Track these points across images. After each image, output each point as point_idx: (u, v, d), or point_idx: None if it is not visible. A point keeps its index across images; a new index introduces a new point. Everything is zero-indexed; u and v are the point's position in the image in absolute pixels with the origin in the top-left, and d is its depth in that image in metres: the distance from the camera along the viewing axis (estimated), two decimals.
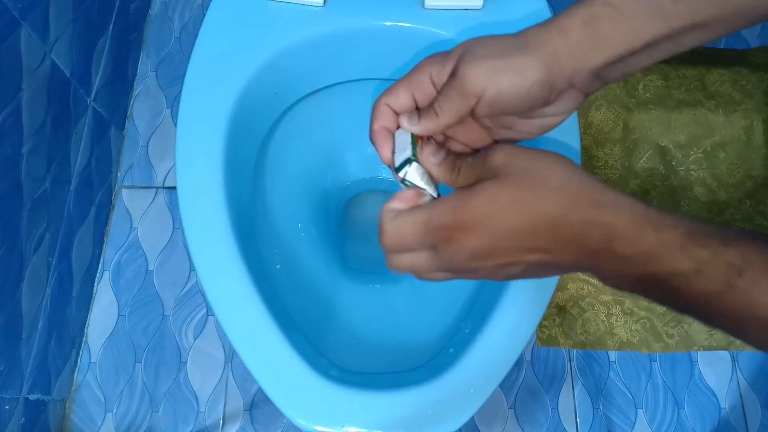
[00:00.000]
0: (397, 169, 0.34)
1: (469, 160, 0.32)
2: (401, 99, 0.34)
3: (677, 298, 0.27)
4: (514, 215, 0.28)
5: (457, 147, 0.36)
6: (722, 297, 0.25)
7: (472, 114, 0.33)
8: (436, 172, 0.33)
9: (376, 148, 0.35)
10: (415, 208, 0.31)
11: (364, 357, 0.60)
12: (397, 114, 0.35)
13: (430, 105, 0.33)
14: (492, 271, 0.30)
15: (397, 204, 0.33)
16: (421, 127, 0.33)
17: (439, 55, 0.33)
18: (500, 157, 0.29)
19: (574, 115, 0.57)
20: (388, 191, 0.80)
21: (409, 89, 0.34)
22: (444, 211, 0.29)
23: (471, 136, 0.36)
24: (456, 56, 0.32)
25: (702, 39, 0.31)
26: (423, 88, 0.34)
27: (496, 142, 0.36)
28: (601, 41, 0.30)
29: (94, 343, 0.92)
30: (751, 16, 0.30)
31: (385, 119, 0.35)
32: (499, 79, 0.30)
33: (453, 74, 0.32)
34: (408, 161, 0.33)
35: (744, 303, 0.24)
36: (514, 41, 0.31)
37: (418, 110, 0.34)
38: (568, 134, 0.55)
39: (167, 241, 0.97)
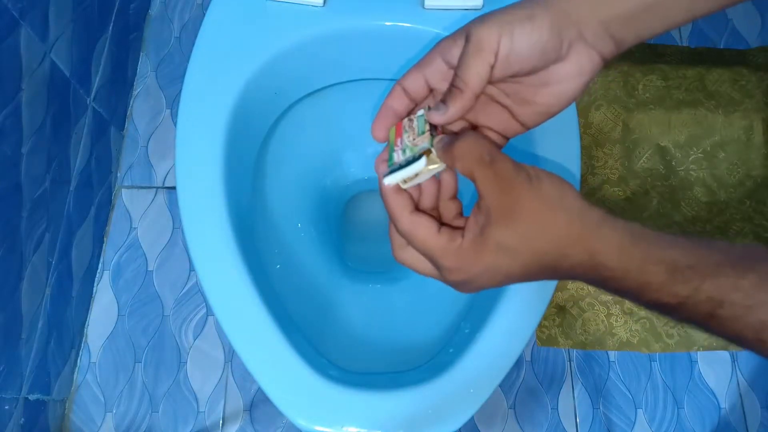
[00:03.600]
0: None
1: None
2: (412, 81, 0.34)
3: (665, 315, 0.29)
4: (514, 265, 0.30)
5: (490, 136, 0.35)
6: (706, 324, 0.27)
7: (490, 84, 0.32)
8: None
9: (373, 122, 0.35)
10: (428, 228, 0.32)
11: (364, 357, 0.60)
12: (409, 97, 0.34)
13: (451, 85, 0.32)
14: (488, 288, 0.33)
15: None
16: (451, 111, 0.32)
17: (448, 37, 0.33)
18: (503, 193, 0.29)
19: (574, 115, 0.56)
20: None
21: (420, 71, 0.34)
22: (453, 259, 0.31)
23: (495, 120, 0.35)
24: (464, 30, 0.32)
25: (713, 2, 0.31)
26: (434, 68, 0.33)
27: (522, 126, 0.35)
28: None
29: (94, 343, 0.92)
30: None
31: (394, 99, 0.34)
32: (511, 30, 0.30)
33: (467, 41, 0.31)
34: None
35: (729, 329, 0.27)
36: (519, 3, 0.32)
37: (442, 101, 0.33)
38: (568, 134, 0.55)
39: (167, 241, 0.97)
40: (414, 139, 0.33)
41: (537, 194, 0.29)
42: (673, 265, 0.27)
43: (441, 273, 0.33)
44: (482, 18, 0.31)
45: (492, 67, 0.31)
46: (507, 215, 0.29)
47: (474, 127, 0.36)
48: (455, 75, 0.32)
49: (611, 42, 0.32)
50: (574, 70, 0.32)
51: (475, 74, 0.31)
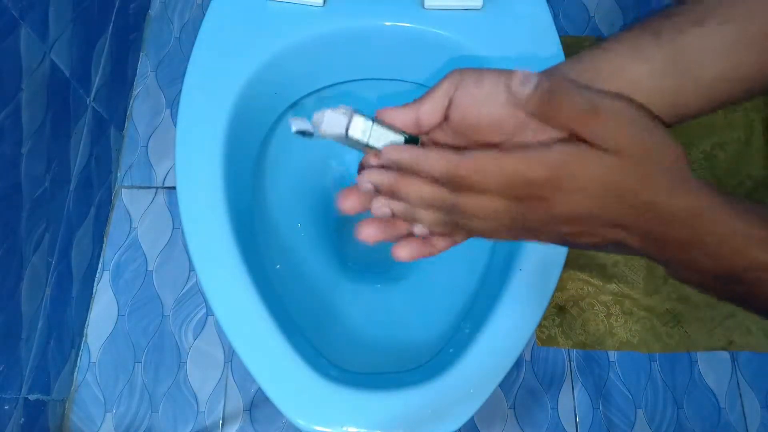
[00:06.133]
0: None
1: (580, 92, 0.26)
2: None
3: (760, 295, 0.26)
4: (619, 188, 0.25)
5: None
6: None
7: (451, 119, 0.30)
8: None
9: None
10: (502, 149, 0.26)
11: (363, 357, 0.60)
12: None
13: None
14: (562, 236, 0.28)
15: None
16: (395, 114, 0.30)
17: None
18: (629, 128, 0.25)
19: None
20: None
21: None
22: (544, 166, 0.25)
23: None
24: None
25: (698, 97, 0.29)
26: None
27: None
28: (585, 74, 0.29)
29: (94, 343, 0.92)
30: (747, 79, 0.29)
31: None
32: (482, 71, 0.29)
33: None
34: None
35: None
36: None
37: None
38: None
39: (167, 241, 0.97)
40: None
41: (655, 141, 0.25)
42: None
43: (522, 205, 0.27)
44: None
45: (449, 98, 0.29)
46: (621, 147, 0.25)
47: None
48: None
49: None
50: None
51: (428, 94, 0.30)
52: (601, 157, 0.25)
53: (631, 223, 0.26)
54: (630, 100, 0.27)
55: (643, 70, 0.29)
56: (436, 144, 0.31)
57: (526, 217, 0.27)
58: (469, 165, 0.26)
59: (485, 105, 0.29)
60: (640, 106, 0.27)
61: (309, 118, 0.32)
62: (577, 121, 0.25)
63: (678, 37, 0.29)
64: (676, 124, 0.30)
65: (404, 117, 0.30)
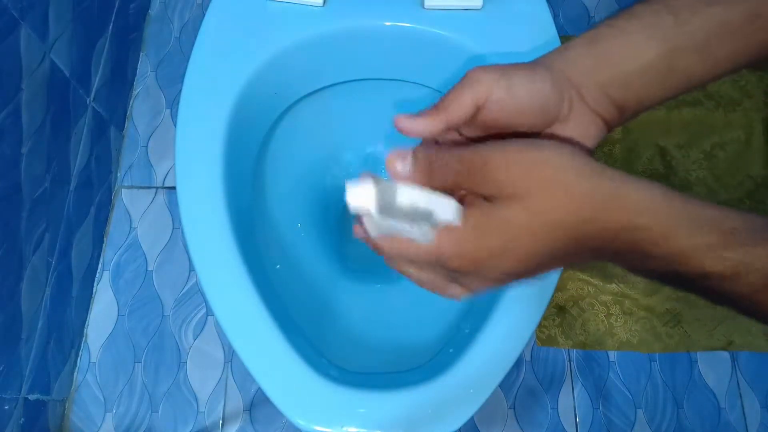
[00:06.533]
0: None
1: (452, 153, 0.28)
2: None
3: (710, 295, 0.26)
4: (530, 243, 0.26)
5: None
6: (758, 297, 0.24)
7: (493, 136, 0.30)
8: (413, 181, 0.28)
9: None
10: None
11: (363, 357, 0.60)
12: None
13: (434, 105, 0.30)
14: (510, 281, 0.29)
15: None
16: (418, 123, 0.29)
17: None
18: (499, 173, 0.26)
19: None
20: None
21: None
22: (452, 245, 0.27)
23: None
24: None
25: (710, 71, 0.30)
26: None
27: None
28: (602, 57, 0.30)
29: (94, 343, 0.92)
30: (755, 53, 0.30)
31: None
32: (510, 75, 0.29)
33: (462, 78, 0.30)
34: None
35: None
36: (521, 63, 0.31)
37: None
38: None
39: (167, 241, 0.97)
40: None
41: (542, 163, 0.25)
42: (722, 225, 0.24)
43: (455, 276, 0.29)
44: (480, 65, 0.30)
45: (479, 106, 0.29)
46: (510, 194, 0.25)
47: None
48: (442, 97, 0.30)
49: (612, 106, 0.31)
50: (578, 133, 0.30)
51: (456, 101, 0.29)
52: (498, 212, 0.26)
53: (562, 257, 0.27)
54: (504, 141, 0.27)
55: (664, 50, 0.30)
56: (462, 137, 0.32)
57: (470, 284, 0.29)
58: (392, 247, 0.28)
59: (518, 108, 0.29)
60: (519, 142, 0.27)
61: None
62: (461, 183, 0.27)
63: (693, 17, 0.30)
64: (681, 94, 0.31)
65: (433, 127, 0.30)
